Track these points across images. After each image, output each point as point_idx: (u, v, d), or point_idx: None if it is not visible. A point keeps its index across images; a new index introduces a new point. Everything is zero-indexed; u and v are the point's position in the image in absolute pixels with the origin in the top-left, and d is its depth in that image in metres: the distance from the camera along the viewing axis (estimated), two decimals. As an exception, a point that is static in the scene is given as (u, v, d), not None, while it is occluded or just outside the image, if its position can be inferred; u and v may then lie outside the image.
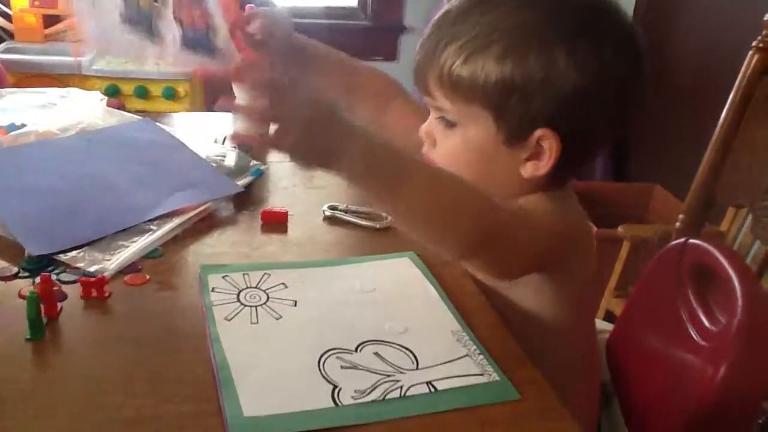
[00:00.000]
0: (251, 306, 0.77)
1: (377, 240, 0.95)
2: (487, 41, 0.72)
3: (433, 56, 0.76)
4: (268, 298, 0.78)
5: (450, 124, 0.78)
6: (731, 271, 0.87)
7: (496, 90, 0.73)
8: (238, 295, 0.78)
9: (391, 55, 3.06)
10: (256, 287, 0.80)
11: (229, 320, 0.74)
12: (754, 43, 1.21)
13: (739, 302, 0.86)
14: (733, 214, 1.25)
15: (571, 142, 0.75)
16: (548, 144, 0.75)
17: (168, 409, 0.61)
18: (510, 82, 0.72)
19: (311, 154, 0.66)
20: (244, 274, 0.82)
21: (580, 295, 0.85)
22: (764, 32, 1.45)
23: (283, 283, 0.81)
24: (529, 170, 0.78)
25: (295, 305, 0.77)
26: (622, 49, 0.75)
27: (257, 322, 0.74)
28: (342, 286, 0.82)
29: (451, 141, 0.79)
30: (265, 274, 0.83)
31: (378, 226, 0.97)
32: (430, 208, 0.69)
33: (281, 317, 0.75)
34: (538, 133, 0.74)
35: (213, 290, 0.79)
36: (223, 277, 0.82)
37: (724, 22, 2.13)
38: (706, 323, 0.87)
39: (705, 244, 0.95)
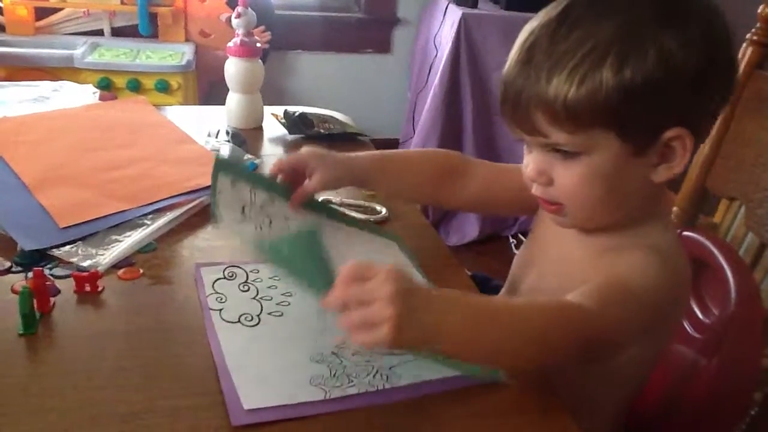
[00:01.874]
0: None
1: (371, 233, 0.94)
2: (597, 56, 0.65)
3: (537, 93, 0.67)
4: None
5: (570, 155, 0.70)
6: (725, 264, 0.88)
7: (619, 103, 0.66)
8: (243, 209, 0.79)
9: (384, 47, 3.05)
10: (260, 207, 0.80)
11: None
12: (748, 36, 1.21)
13: (733, 294, 0.86)
14: (727, 206, 1.25)
15: (699, 132, 0.71)
16: (680, 143, 0.69)
17: (161, 403, 0.61)
18: (632, 90, 0.65)
19: (410, 340, 0.58)
20: (251, 188, 0.81)
21: (653, 356, 0.81)
22: (758, 25, 1.45)
23: (283, 216, 0.81)
24: (662, 175, 0.71)
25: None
26: (712, 19, 0.69)
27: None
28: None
29: (574, 172, 0.70)
30: (270, 198, 0.82)
31: (372, 219, 0.97)
32: (527, 346, 0.63)
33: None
34: (669, 134, 0.68)
35: (220, 192, 0.78)
36: (232, 182, 0.80)
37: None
38: (700, 315, 0.87)
39: (699, 236, 0.95)
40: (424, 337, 0.57)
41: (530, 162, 0.74)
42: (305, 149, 0.88)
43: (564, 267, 0.80)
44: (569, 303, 0.65)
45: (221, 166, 0.80)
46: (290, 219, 0.82)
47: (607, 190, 0.71)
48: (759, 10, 1.24)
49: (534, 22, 0.70)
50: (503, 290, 0.92)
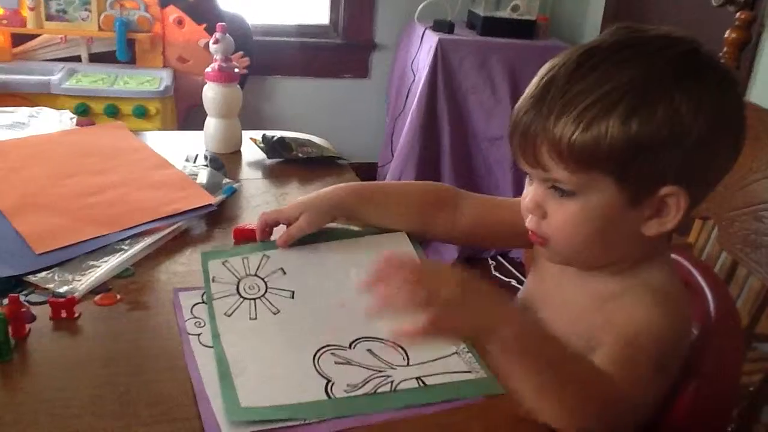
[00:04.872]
0: (250, 299, 0.79)
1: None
2: (608, 103, 0.66)
3: (545, 129, 0.68)
4: (266, 289, 0.81)
5: (566, 193, 0.71)
6: (702, 282, 0.89)
7: (622, 153, 0.67)
8: (238, 285, 0.81)
9: (362, 72, 3.08)
10: (255, 275, 0.83)
11: (229, 316, 0.77)
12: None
13: (712, 313, 0.87)
14: (700, 225, 1.27)
15: (697, 192, 0.72)
16: (674, 200, 0.70)
17: (139, 430, 0.61)
18: (636, 143, 0.66)
19: (465, 330, 0.63)
20: (243, 259, 0.85)
21: (667, 387, 0.79)
22: (725, 49, 1.49)
23: (281, 269, 0.84)
24: (653, 229, 0.72)
25: (293, 297, 0.80)
26: (725, 84, 0.71)
27: (256, 318, 0.77)
28: (338, 276, 0.84)
29: (568, 210, 0.72)
30: (264, 257, 0.85)
31: (351, 242, 0.97)
32: (562, 387, 0.65)
33: (279, 311, 0.78)
34: (666, 190, 0.69)
35: (213, 280, 0.81)
36: (223, 263, 0.84)
37: (696, 24, 2.17)
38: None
39: (676, 256, 0.96)
40: (479, 327, 0.61)
41: (529, 194, 0.75)
42: (288, 205, 0.91)
43: (568, 313, 0.80)
44: (600, 372, 0.66)
45: (209, 255, 0.85)
46: (288, 271, 0.84)
47: (595, 233, 0.73)
48: (725, 35, 1.27)
49: (556, 60, 0.71)
50: None
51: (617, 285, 0.76)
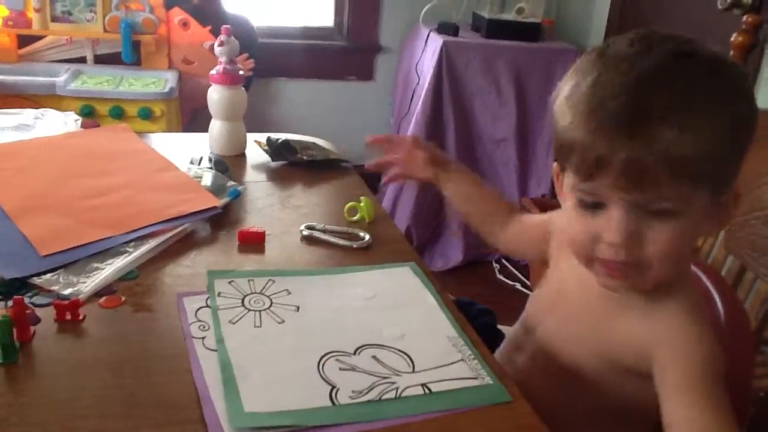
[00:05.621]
0: (255, 310, 0.80)
1: (354, 259, 0.95)
2: (713, 110, 0.65)
3: (661, 148, 0.64)
4: (271, 303, 0.81)
5: (668, 214, 0.67)
6: (711, 287, 0.89)
7: (725, 160, 0.67)
8: (243, 299, 0.81)
9: (366, 74, 3.08)
10: (260, 293, 0.83)
11: (234, 323, 0.77)
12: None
13: (722, 317, 0.87)
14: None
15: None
16: (733, 195, 0.71)
17: (144, 433, 0.61)
18: (736, 149, 0.67)
19: None
20: (249, 280, 0.85)
21: None
22: (731, 53, 1.49)
23: (286, 290, 0.84)
24: (719, 226, 0.74)
25: (298, 310, 0.80)
26: (748, 86, 0.73)
27: (260, 326, 0.77)
28: (343, 293, 0.85)
29: (674, 231, 0.68)
30: (269, 280, 0.86)
31: (355, 245, 0.97)
32: None
33: (284, 321, 0.78)
34: (733, 187, 0.71)
35: (219, 294, 0.81)
36: (229, 282, 0.84)
37: (701, 27, 2.17)
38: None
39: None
40: None
41: (608, 227, 0.69)
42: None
43: (587, 319, 0.81)
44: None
45: (216, 274, 0.86)
46: (292, 291, 0.84)
47: (687, 248, 0.72)
48: (732, 39, 1.27)
49: (609, 80, 0.67)
50: (516, 326, 0.93)
51: (642, 297, 0.75)
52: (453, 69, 2.57)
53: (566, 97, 0.70)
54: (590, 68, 0.69)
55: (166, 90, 2.26)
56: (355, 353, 0.73)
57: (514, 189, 2.64)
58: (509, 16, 2.73)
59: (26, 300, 0.76)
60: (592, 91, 0.67)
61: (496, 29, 2.68)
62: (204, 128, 1.31)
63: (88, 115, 2.19)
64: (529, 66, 2.58)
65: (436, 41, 2.60)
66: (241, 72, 1.27)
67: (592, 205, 0.70)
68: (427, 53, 2.66)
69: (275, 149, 1.26)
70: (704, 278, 0.92)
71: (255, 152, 1.30)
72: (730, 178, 0.70)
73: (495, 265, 2.65)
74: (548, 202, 2.27)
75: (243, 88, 1.28)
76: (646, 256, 0.69)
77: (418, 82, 2.68)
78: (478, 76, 2.59)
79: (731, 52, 1.28)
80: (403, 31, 2.98)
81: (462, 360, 0.73)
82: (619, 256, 0.70)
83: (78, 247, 0.88)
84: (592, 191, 0.69)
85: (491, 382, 0.70)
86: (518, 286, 2.52)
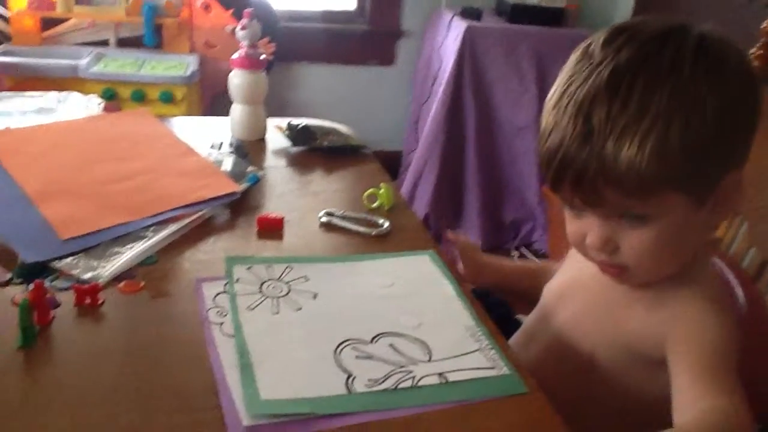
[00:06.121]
0: (273, 297, 0.80)
1: (373, 247, 0.94)
2: (661, 125, 0.64)
3: (605, 167, 0.66)
4: (289, 290, 0.81)
5: (639, 220, 0.70)
6: (732, 278, 0.87)
7: (687, 164, 0.66)
8: (261, 286, 0.81)
9: (388, 59, 3.06)
10: (278, 279, 0.83)
11: (252, 310, 0.77)
12: (752, 51, 1.21)
13: (743, 310, 0.86)
14: (729, 221, 1.25)
15: (742, 161, 0.72)
16: (734, 183, 0.71)
17: (161, 419, 0.61)
18: (699, 150, 0.66)
19: None
20: (267, 267, 0.85)
21: None
22: (762, 40, 1.46)
23: (304, 276, 0.84)
24: (721, 216, 0.74)
25: (315, 297, 0.80)
26: (745, 67, 0.71)
27: (278, 313, 0.77)
28: (361, 281, 0.85)
29: (645, 236, 0.70)
30: (287, 267, 0.86)
31: (374, 233, 0.97)
32: None
33: (301, 308, 0.78)
34: (727, 178, 0.70)
35: (237, 281, 0.82)
36: (248, 268, 0.84)
37: (726, 16, 2.13)
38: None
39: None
40: None
41: (590, 230, 0.73)
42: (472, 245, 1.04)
43: (604, 307, 0.81)
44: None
45: (234, 260, 0.86)
46: (310, 278, 0.84)
47: (674, 248, 0.72)
48: (763, 26, 1.24)
49: (578, 87, 0.68)
50: (532, 315, 0.93)
51: (659, 286, 0.75)
52: (475, 54, 2.55)
53: (547, 100, 0.73)
54: (568, 70, 0.71)
55: (188, 74, 2.26)
56: (372, 341, 0.73)
57: (534, 178, 2.62)
58: (533, 0, 2.70)
59: (46, 284, 0.77)
60: (558, 101, 0.70)
61: (520, 14, 2.66)
62: (224, 112, 1.31)
63: (111, 99, 2.21)
64: (552, 52, 2.55)
65: (459, 26, 2.57)
66: (262, 56, 1.26)
67: (578, 208, 0.74)
68: (450, 38, 2.64)
69: (295, 134, 1.26)
70: (726, 270, 0.91)
71: (275, 137, 1.30)
72: (707, 178, 0.69)
73: (514, 252, 2.64)
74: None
75: (264, 73, 1.28)
76: (625, 259, 0.73)
77: (440, 68, 2.66)
78: (501, 62, 2.57)
79: (762, 40, 1.25)
80: (426, 15, 2.95)
81: (479, 350, 0.73)
82: (600, 258, 0.74)
83: (98, 231, 0.88)
84: (566, 200, 0.73)
85: (508, 372, 0.70)
86: (537, 274, 2.50)
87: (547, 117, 0.72)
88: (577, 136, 0.67)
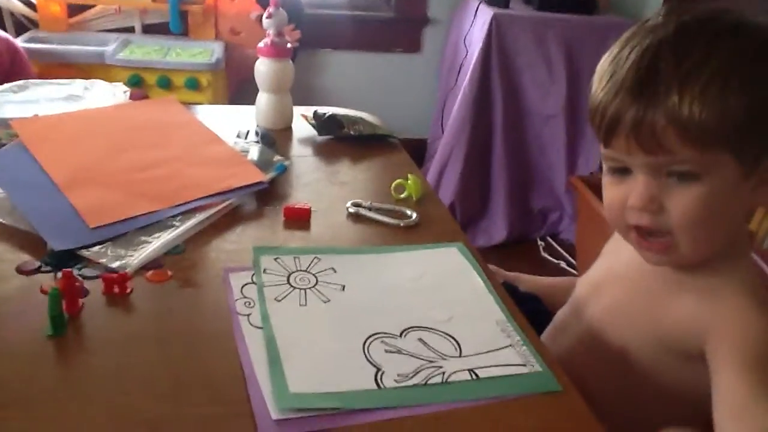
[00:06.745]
0: (301, 288, 0.79)
1: (401, 238, 0.93)
2: (724, 77, 0.65)
3: (668, 110, 0.65)
4: (317, 281, 0.81)
5: (688, 177, 0.68)
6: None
7: (744, 124, 0.65)
8: (288, 277, 0.81)
9: (414, 47, 3.03)
10: (306, 270, 0.82)
11: (279, 301, 0.76)
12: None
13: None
14: (762, 214, 1.23)
15: None
16: None
17: (190, 411, 0.60)
18: (757, 111, 0.66)
19: None
20: (294, 258, 0.85)
21: None
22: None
23: (332, 268, 0.83)
24: (758, 200, 0.71)
25: (343, 290, 0.80)
26: None
27: (306, 304, 0.76)
28: (389, 273, 0.84)
29: (694, 194, 0.68)
30: (315, 258, 0.85)
31: (402, 224, 0.95)
32: None
33: (329, 300, 0.77)
34: None
35: (265, 271, 0.81)
36: (275, 258, 0.84)
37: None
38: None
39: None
40: None
41: (634, 190, 0.71)
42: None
43: (639, 300, 0.79)
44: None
45: (262, 251, 0.85)
46: (338, 270, 0.83)
47: (719, 217, 0.70)
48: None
49: (636, 41, 0.69)
50: (565, 308, 0.91)
51: (700, 279, 0.74)
52: (502, 42, 2.51)
53: (599, 66, 0.73)
54: (623, 39, 0.72)
55: (213, 61, 2.26)
56: (401, 335, 0.72)
57: (562, 167, 2.59)
58: (562, -13, 2.65)
59: (75, 272, 0.76)
60: (616, 59, 0.70)
61: (549, 1, 2.61)
62: (250, 100, 1.30)
63: (136, 85, 2.21)
64: (582, 40, 2.51)
65: (486, 13, 2.54)
66: (288, 45, 1.25)
67: (620, 171, 0.72)
68: (477, 25, 2.61)
69: (322, 123, 1.25)
70: (762, 263, 0.89)
71: (301, 126, 1.29)
72: (758, 148, 0.68)
73: (540, 242, 2.62)
74: (596, 180, 2.22)
75: (290, 61, 1.27)
76: (670, 222, 0.70)
77: (466, 55, 2.64)
78: (529, 49, 2.53)
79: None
80: (453, 2, 2.92)
81: (511, 345, 0.72)
82: (642, 220, 0.71)
83: (126, 219, 0.88)
84: (613, 156, 0.72)
85: (540, 369, 0.68)
86: (563, 264, 2.48)
87: (601, 73, 0.72)
88: (639, 79, 0.67)
